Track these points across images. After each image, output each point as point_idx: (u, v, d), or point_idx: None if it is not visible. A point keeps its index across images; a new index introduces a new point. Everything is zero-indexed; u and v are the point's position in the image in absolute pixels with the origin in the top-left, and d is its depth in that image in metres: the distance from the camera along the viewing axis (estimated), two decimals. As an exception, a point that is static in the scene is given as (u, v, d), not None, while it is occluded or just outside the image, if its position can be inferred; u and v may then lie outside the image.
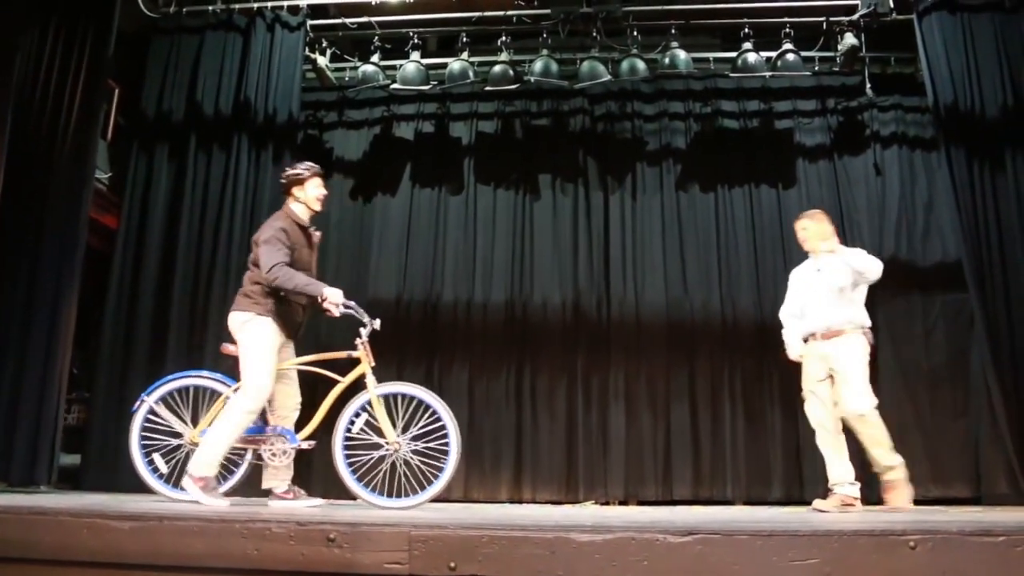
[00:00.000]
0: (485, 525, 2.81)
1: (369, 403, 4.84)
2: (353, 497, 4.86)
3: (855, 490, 5.45)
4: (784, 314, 5.92)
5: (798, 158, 8.18)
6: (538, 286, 8.04)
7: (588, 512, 6.26)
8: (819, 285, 5.61)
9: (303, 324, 5.15)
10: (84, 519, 3.02)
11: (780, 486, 7.38)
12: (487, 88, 8.21)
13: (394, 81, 8.15)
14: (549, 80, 8.01)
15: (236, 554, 2.85)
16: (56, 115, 6.60)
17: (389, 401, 4.91)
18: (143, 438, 4.87)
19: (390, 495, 4.84)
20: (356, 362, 4.99)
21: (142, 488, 4.99)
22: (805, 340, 5.68)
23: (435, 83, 8.23)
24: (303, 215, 5.07)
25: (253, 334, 4.79)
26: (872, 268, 5.50)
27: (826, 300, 5.54)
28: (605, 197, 8.21)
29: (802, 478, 7.37)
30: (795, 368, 7.61)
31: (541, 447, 7.69)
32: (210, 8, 7.81)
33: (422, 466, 4.86)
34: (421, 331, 8.04)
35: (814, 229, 5.72)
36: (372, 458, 4.89)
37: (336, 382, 4.98)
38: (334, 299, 4.81)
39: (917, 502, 6.97)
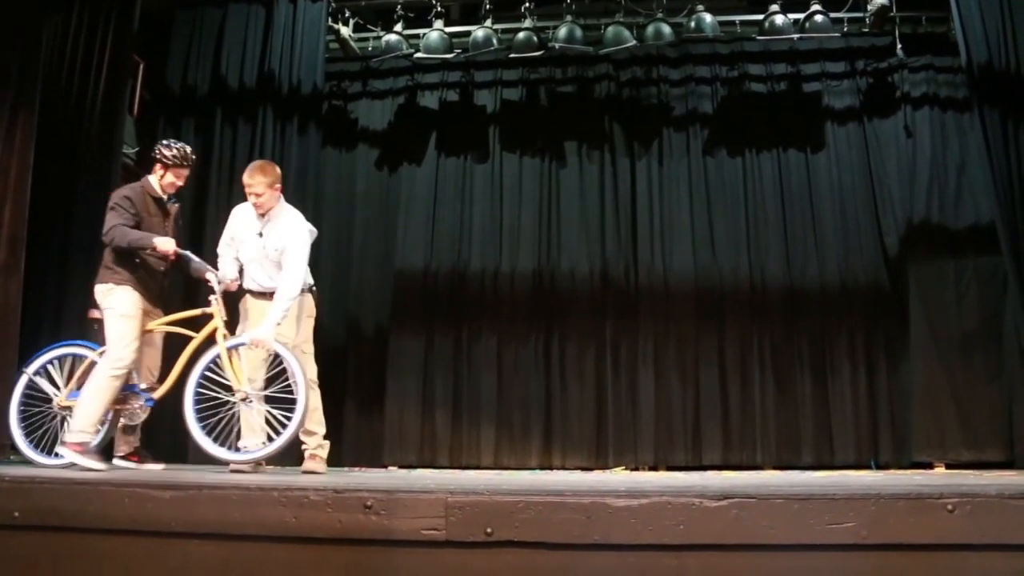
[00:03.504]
0: (521, 491, 2.82)
1: (219, 357, 4.83)
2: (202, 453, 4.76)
3: (322, 450, 5.21)
4: (222, 244, 5.41)
5: (827, 121, 8.09)
6: (565, 253, 8.03)
7: (621, 478, 6.29)
8: (260, 246, 5.22)
9: (164, 290, 5.22)
10: (125, 489, 3.05)
11: (810, 451, 7.38)
12: (511, 55, 8.16)
13: (418, 50, 8.13)
14: (574, 46, 7.95)
15: (274, 522, 2.87)
16: (83, 92, 6.65)
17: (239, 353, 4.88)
18: (24, 406, 4.96)
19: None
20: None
21: (176, 458, 5.05)
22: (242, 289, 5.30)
23: (459, 51, 8.20)
24: (158, 189, 5.11)
25: (113, 303, 4.89)
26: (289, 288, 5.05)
27: (268, 263, 5.20)
28: (632, 163, 8.16)
29: (832, 443, 7.37)
30: (826, 332, 7.61)
31: (570, 414, 7.72)
32: (233, -20, 7.80)
33: (280, 417, 4.79)
34: (449, 300, 8.08)
35: (269, 194, 5.18)
36: (222, 411, 4.82)
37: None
38: (164, 247, 4.84)
39: (949, 466, 6.99)
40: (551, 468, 7.52)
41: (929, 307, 7.43)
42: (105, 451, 4.94)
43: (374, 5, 8.27)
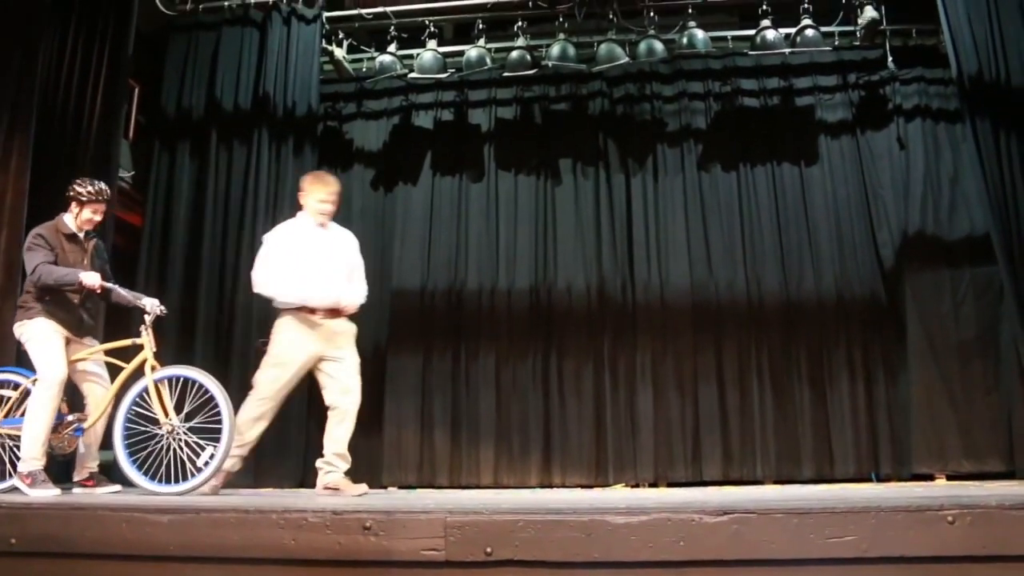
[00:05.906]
0: (520, 509, 2.81)
1: (147, 389, 4.85)
2: (131, 484, 4.79)
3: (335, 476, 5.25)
4: (279, 263, 5.35)
5: (820, 134, 8.10)
6: (562, 270, 8.03)
7: (621, 495, 6.28)
8: (332, 258, 5.41)
9: (85, 322, 5.21)
10: (122, 513, 3.04)
11: (810, 465, 7.34)
12: (505, 74, 8.20)
13: (412, 70, 8.16)
14: (567, 64, 7.99)
15: (273, 544, 2.86)
16: (79, 116, 6.66)
17: (171, 385, 4.88)
18: None
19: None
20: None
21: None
22: (299, 309, 5.28)
23: (453, 71, 8.23)
24: (72, 226, 5.16)
25: (30, 334, 4.96)
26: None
27: (339, 276, 5.39)
28: (626, 180, 8.17)
29: (832, 456, 7.35)
30: (823, 345, 7.60)
31: (569, 432, 7.69)
32: (226, 3, 7.84)
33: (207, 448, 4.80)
34: (446, 319, 8.07)
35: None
36: (151, 443, 4.81)
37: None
38: (89, 282, 4.90)
39: (950, 477, 6.97)
40: (551, 486, 7.49)
41: (926, 318, 7.43)
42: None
43: (367, 26, 8.31)
